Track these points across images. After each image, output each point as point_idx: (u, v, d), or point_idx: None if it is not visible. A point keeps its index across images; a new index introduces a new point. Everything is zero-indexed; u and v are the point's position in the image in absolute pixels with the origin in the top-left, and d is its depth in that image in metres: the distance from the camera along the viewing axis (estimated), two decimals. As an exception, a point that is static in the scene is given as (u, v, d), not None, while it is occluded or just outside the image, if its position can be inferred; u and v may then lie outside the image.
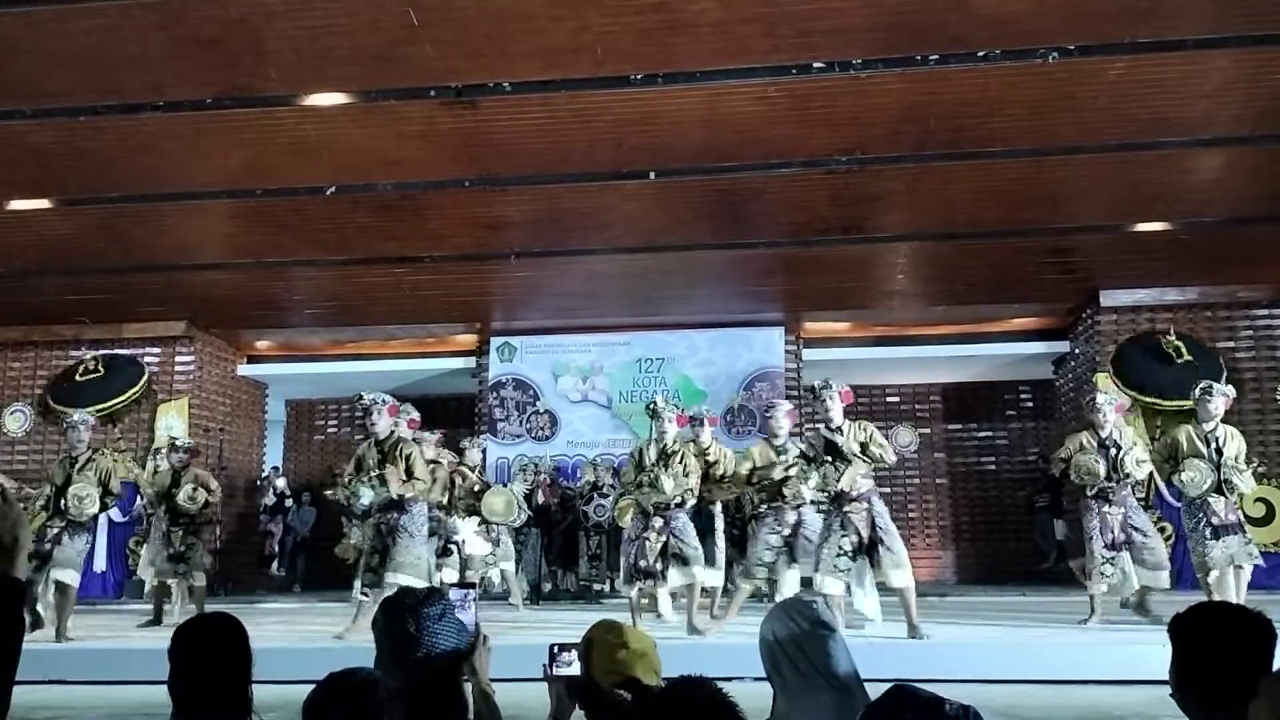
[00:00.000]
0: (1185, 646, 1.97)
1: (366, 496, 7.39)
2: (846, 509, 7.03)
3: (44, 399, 13.04)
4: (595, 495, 11.55)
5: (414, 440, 8.09)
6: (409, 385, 14.83)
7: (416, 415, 8.36)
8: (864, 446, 7.07)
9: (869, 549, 6.97)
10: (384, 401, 7.72)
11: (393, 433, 7.74)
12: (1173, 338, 11.51)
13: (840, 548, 6.97)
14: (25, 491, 8.34)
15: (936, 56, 7.99)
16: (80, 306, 12.88)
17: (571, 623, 8.80)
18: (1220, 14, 7.62)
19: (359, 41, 7.87)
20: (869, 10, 7.52)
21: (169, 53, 7.98)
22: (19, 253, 11.31)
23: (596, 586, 11.44)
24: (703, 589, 7.77)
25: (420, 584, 7.31)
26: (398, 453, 7.55)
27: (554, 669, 2.26)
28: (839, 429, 7.17)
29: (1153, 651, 5.61)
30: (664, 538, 7.35)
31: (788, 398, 13.42)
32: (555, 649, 2.30)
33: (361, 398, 7.77)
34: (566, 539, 11.72)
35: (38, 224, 10.73)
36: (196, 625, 2.27)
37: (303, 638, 7.75)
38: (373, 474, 7.40)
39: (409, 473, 7.48)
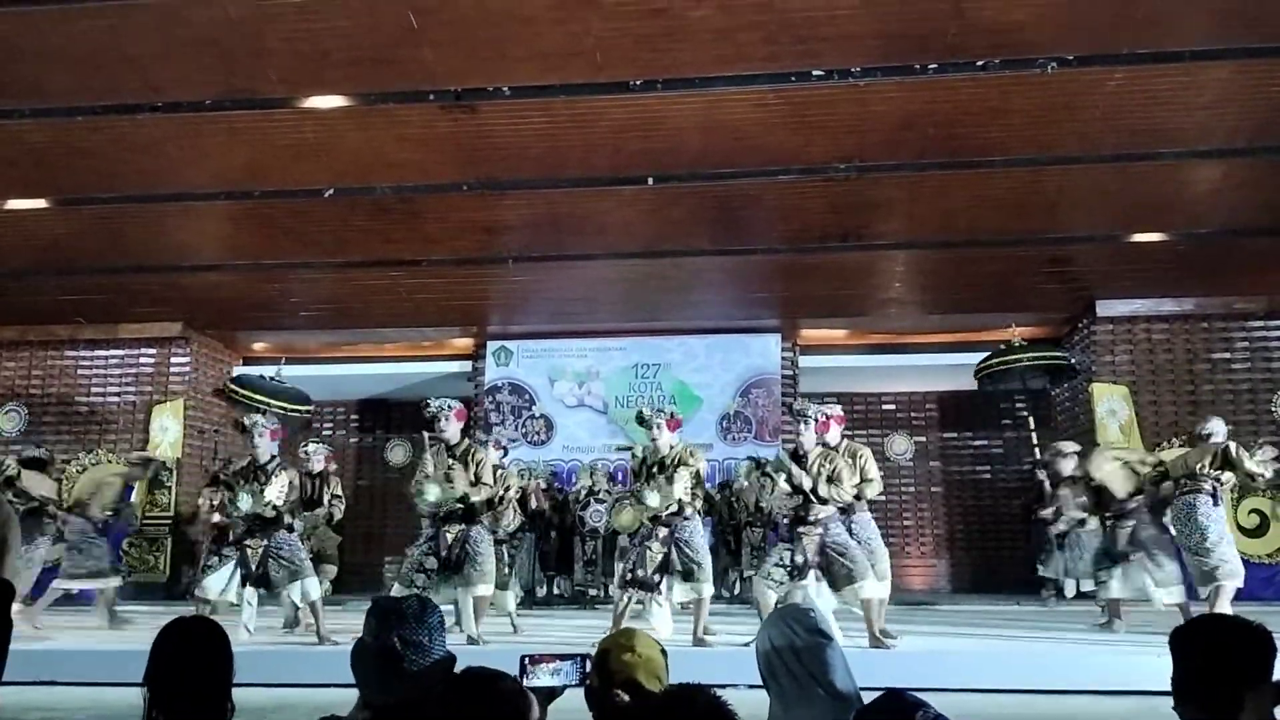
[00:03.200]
0: (1186, 659, 1.97)
1: (433, 494, 7.35)
2: (800, 529, 7.00)
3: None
4: (591, 500, 11.54)
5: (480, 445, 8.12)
6: (405, 389, 14.82)
7: (460, 405, 8.01)
8: (828, 479, 6.99)
9: (822, 571, 6.93)
10: (450, 407, 7.66)
11: (464, 438, 7.68)
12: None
13: (780, 559, 6.99)
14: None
15: (936, 65, 7.99)
16: (77, 306, 12.87)
17: (567, 628, 8.80)
18: (1219, 25, 7.63)
19: (358, 44, 7.86)
20: (869, 19, 7.53)
21: (168, 53, 7.96)
22: (16, 252, 11.29)
23: (591, 592, 11.42)
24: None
25: (489, 589, 7.42)
26: (469, 457, 7.50)
27: (525, 680, 2.24)
28: (805, 455, 7.12)
29: (1146, 662, 5.63)
30: (666, 549, 7.25)
31: (783, 404, 13.46)
32: (526, 661, 2.28)
33: (428, 404, 7.71)
34: (562, 544, 11.70)
35: (35, 224, 10.71)
36: (179, 627, 2.26)
37: (292, 642, 7.73)
38: (439, 472, 7.36)
39: (477, 477, 7.44)
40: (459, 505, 7.38)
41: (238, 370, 14.17)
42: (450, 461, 7.46)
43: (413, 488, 7.57)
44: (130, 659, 6.21)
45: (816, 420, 7.17)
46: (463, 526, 7.38)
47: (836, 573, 6.89)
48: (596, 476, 11.92)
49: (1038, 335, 13.74)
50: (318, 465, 9.21)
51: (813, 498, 6.96)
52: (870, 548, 7.17)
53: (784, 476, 7.01)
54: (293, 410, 13.14)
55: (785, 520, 7.32)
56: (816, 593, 6.92)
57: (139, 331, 13.50)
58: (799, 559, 6.93)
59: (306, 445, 9.45)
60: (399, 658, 2.13)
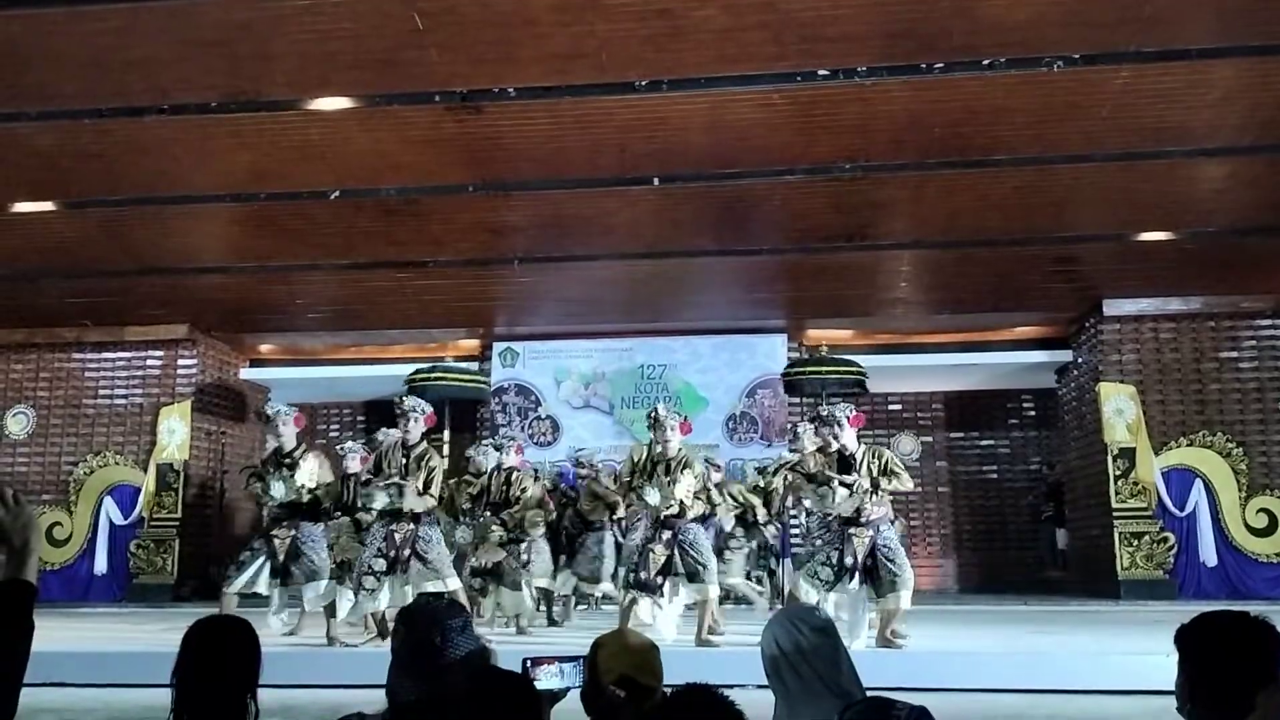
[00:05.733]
0: (1197, 657, 1.94)
1: (379, 502, 7.33)
2: (852, 530, 6.93)
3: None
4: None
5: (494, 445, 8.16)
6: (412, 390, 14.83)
7: (430, 410, 7.99)
8: (885, 473, 7.00)
9: (866, 574, 6.87)
10: (422, 411, 7.66)
11: (422, 440, 7.66)
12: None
13: (828, 558, 6.91)
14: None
15: (941, 65, 7.99)
16: (83, 309, 12.90)
17: (573, 629, 8.80)
18: (1224, 24, 7.62)
19: (364, 46, 7.87)
20: (874, 18, 7.52)
21: (175, 56, 7.98)
22: (23, 255, 11.32)
23: (597, 593, 11.37)
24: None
25: (455, 582, 7.38)
26: (423, 462, 7.45)
27: None
28: (851, 455, 7.09)
29: (1156, 661, 5.61)
30: (670, 551, 7.20)
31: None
32: (528, 663, 2.29)
33: (402, 400, 7.72)
34: (568, 545, 11.66)
35: (42, 226, 10.74)
36: (210, 625, 2.25)
37: (300, 643, 7.74)
38: (391, 480, 7.34)
39: (427, 484, 7.38)
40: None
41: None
42: (404, 462, 7.45)
43: (362, 493, 7.54)
44: (140, 661, 6.22)
45: (849, 418, 7.16)
46: (411, 526, 7.33)
47: (883, 578, 6.80)
48: (602, 477, 11.89)
49: (1044, 334, 13.75)
50: (353, 466, 9.03)
51: (867, 497, 6.88)
52: (902, 554, 7.09)
53: (836, 481, 6.96)
54: (472, 381, 13.36)
55: (831, 522, 7.22)
56: (857, 596, 6.86)
57: (145, 334, 13.53)
58: (848, 560, 6.84)
59: (344, 444, 9.28)
60: (424, 654, 2.15)
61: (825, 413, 7.29)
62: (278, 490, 7.52)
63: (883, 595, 6.84)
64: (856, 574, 6.83)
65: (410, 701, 2.11)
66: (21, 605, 1.65)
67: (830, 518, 7.23)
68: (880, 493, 6.96)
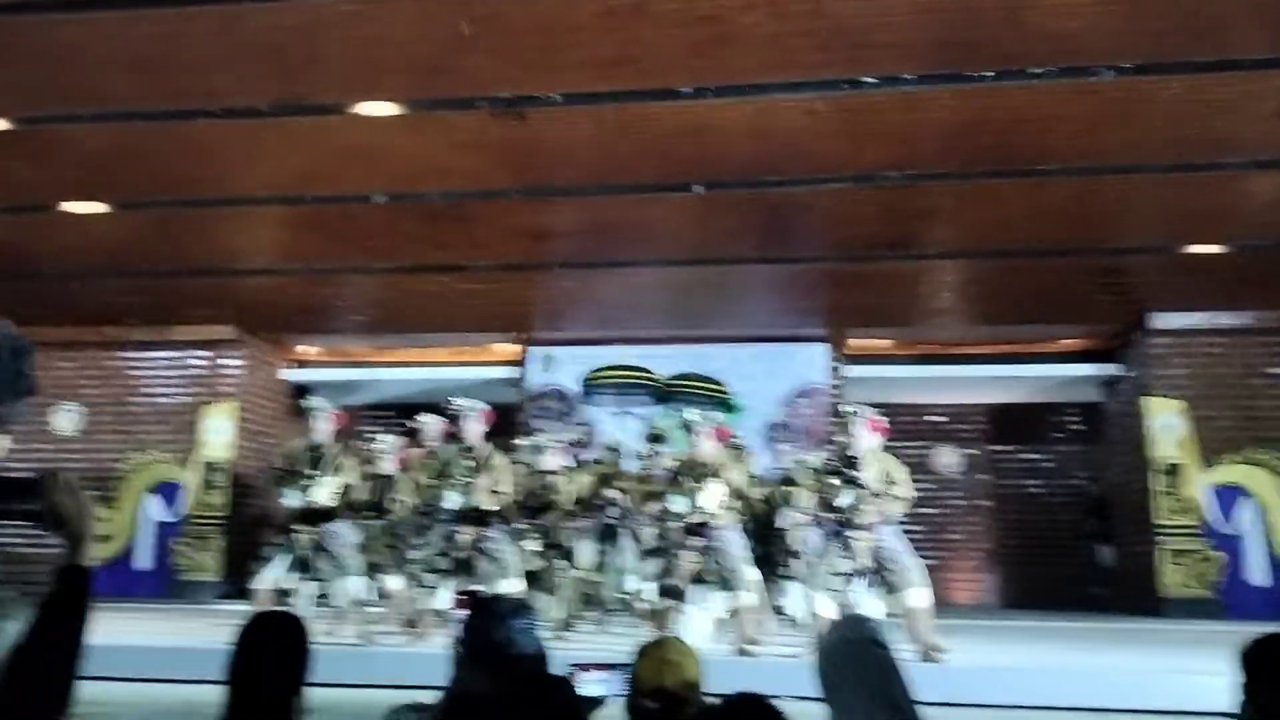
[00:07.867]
0: (1260, 677, 1.87)
1: (451, 502, 7.36)
2: (851, 534, 6.94)
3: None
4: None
5: (533, 447, 8.40)
6: (450, 394, 14.91)
7: (486, 406, 8.07)
8: (886, 480, 6.99)
9: (874, 578, 6.87)
10: (475, 410, 7.69)
11: (487, 442, 7.70)
12: None
13: (835, 567, 6.92)
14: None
15: (990, 73, 7.89)
16: (131, 308, 13.10)
17: (615, 636, 8.78)
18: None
19: (411, 52, 7.91)
20: (923, 26, 7.44)
21: (225, 59, 8.06)
22: (74, 254, 11.51)
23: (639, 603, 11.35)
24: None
25: (520, 584, 7.42)
26: (487, 463, 7.50)
27: None
28: (856, 457, 7.08)
29: (1204, 682, 5.50)
30: (701, 558, 7.20)
31: (834, 411, 13.36)
32: (574, 668, 2.28)
33: (451, 403, 7.79)
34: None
35: (92, 226, 10.91)
36: (265, 621, 2.25)
37: (330, 641, 7.77)
38: (460, 481, 7.37)
39: (495, 485, 7.46)
40: (472, 509, 7.39)
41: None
42: (472, 464, 7.48)
43: (427, 491, 7.54)
44: (181, 657, 6.27)
45: (866, 420, 7.15)
46: (478, 529, 7.39)
47: (887, 580, 6.83)
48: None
49: (1090, 347, 13.58)
50: (387, 466, 8.97)
51: (867, 501, 6.88)
52: (905, 555, 7.08)
53: (840, 479, 6.97)
54: (642, 377, 13.62)
55: (834, 526, 7.26)
56: (865, 601, 6.84)
57: (192, 334, 13.73)
58: (853, 566, 6.87)
59: (377, 443, 9.25)
60: (495, 649, 2.16)
61: (841, 409, 7.30)
62: (292, 499, 7.60)
63: (890, 596, 6.84)
64: (862, 578, 6.83)
65: (466, 694, 2.13)
66: (79, 591, 1.67)
67: (827, 526, 7.24)
68: (880, 498, 6.93)
